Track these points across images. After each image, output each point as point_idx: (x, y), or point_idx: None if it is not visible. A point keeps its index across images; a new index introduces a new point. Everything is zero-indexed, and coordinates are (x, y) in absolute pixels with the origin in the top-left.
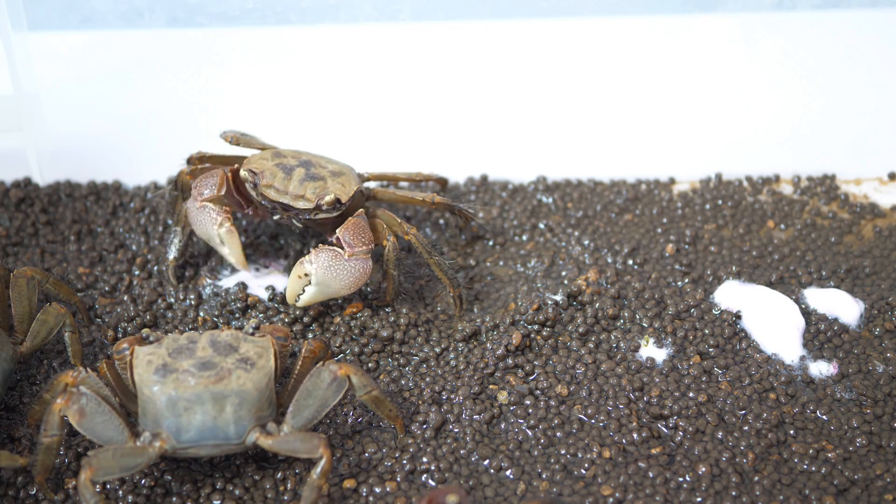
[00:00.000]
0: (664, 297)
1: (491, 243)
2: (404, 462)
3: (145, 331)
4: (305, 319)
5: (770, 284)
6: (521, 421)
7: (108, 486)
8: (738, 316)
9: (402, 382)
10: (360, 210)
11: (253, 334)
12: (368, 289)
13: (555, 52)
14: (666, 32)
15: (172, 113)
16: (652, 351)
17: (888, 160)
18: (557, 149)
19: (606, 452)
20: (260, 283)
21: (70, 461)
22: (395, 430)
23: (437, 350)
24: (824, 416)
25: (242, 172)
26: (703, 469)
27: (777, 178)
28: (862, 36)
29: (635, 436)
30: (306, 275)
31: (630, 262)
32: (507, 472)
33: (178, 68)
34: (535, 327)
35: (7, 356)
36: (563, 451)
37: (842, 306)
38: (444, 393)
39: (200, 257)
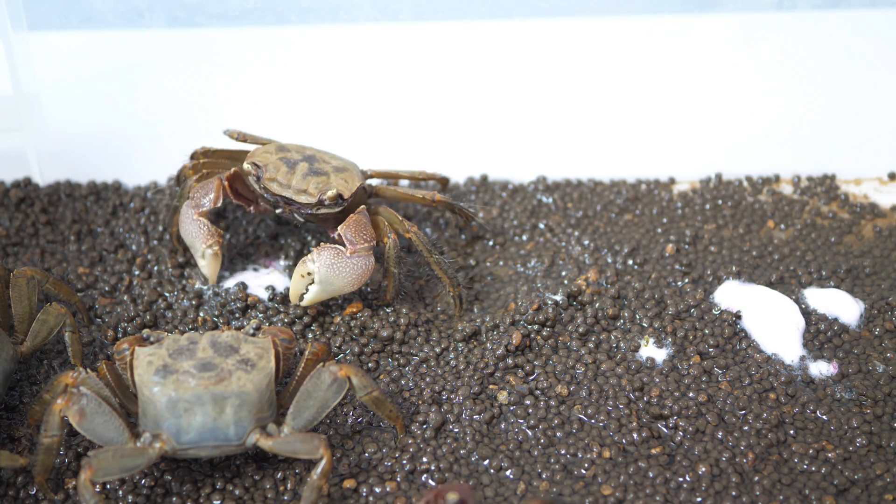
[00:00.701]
0: (664, 297)
1: (491, 243)
2: (404, 462)
3: (146, 331)
4: (305, 319)
5: (770, 284)
6: (521, 421)
7: (108, 487)
8: (738, 316)
9: (402, 382)
10: (362, 207)
11: (254, 335)
12: (368, 288)
13: (555, 52)
14: (666, 32)
15: (172, 113)
16: (652, 351)
17: (888, 160)
18: (557, 149)
19: (606, 452)
20: (260, 283)
21: (70, 461)
22: (396, 430)
23: (437, 350)
24: (824, 416)
25: (246, 165)
26: (703, 469)
27: (777, 178)
28: (862, 36)
29: (635, 436)
30: (309, 273)
31: (630, 262)
32: (507, 472)
33: (178, 68)
34: (535, 327)
35: (8, 356)
36: (563, 451)
37: (842, 306)
38: (444, 393)
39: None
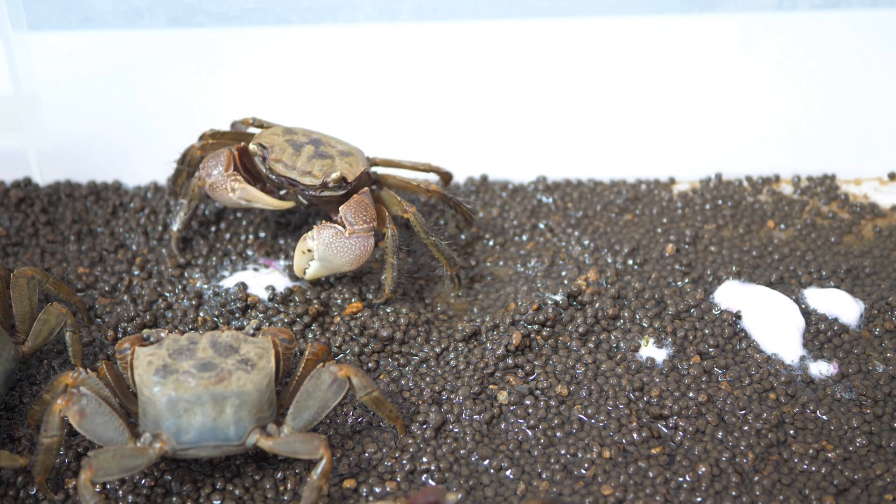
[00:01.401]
0: (664, 297)
1: (491, 243)
2: (404, 462)
3: (146, 331)
4: (305, 319)
5: (770, 284)
6: (521, 421)
7: (108, 486)
8: (738, 316)
9: (402, 382)
10: (365, 189)
11: (254, 335)
12: (368, 288)
13: (555, 52)
14: (666, 32)
15: (172, 113)
16: (652, 351)
17: (888, 160)
18: (557, 149)
19: (606, 452)
20: (260, 283)
21: (70, 461)
22: (396, 430)
23: (437, 350)
24: (824, 416)
25: (252, 146)
26: (703, 469)
27: (777, 178)
28: (862, 36)
29: (635, 436)
30: (309, 250)
31: (630, 262)
32: (507, 472)
33: (178, 68)
34: (535, 327)
35: (9, 356)
36: (563, 451)
37: (842, 306)
38: (444, 393)
39: (201, 258)
